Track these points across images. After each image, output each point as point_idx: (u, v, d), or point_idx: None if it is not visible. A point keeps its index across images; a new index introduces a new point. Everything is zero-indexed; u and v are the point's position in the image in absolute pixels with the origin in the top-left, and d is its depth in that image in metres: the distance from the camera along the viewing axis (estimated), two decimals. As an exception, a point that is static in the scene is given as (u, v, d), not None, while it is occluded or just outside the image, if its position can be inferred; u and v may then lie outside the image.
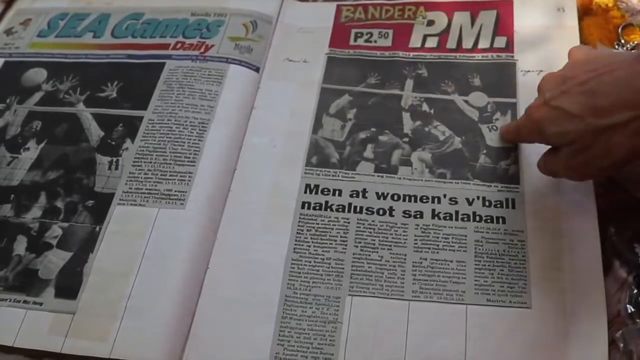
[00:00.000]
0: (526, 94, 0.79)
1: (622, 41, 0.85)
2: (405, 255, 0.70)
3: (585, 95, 0.57)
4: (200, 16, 0.93)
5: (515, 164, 0.75)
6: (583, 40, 0.85)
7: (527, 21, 0.86)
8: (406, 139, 0.79)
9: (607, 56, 0.61)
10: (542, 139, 0.64)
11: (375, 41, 0.89)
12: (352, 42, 0.89)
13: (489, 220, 0.71)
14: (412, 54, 0.87)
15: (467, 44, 0.87)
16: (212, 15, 0.93)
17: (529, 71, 0.82)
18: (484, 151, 0.77)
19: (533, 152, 0.72)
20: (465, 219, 0.72)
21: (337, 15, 0.93)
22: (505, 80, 0.82)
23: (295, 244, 0.72)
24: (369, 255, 0.70)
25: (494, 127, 0.79)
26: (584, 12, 0.90)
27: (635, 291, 0.65)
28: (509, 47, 0.85)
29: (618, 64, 0.56)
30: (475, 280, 0.67)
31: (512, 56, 0.84)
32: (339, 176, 0.77)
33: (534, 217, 0.70)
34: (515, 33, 0.86)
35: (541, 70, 0.81)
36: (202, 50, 0.89)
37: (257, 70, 0.87)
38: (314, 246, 0.72)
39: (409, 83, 0.84)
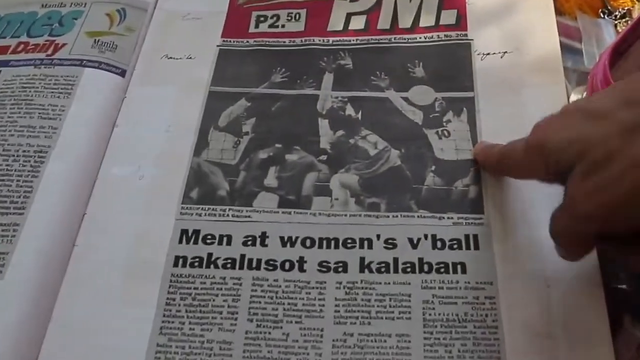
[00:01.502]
0: (487, 86, 0.65)
1: (609, 8, 0.74)
2: (322, 329, 0.53)
3: (617, 90, 0.43)
4: (52, 7, 0.76)
5: (477, 183, 0.59)
6: (558, 9, 0.71)
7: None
8: (323, 157, 0.63)
9: None
10: (541, 163, 0.46)
11: (282, 25, 0.73)
12: (252, 29, 0.74)
13: (442, 270, 0.55)
14: (331, 39, 0.71)
15: (405, 22, 0.72)
16: (67, 5, 0.76)
17: (488, 54, 0.67)
18: (432, 168, 0.61)
19: None
20: (409, 270, 0.55)
21: None
22: (457, 68, 0.67)
23: (164, 321, 0.54)
24: (269, 333, 0.53)
25: (445, 133, 0.63)
26: None
27: (661, 358, 0.47)
28: (461, 23, 0.70)
29: None
30: (426, 363, 0.50)
31: (466, 35, 0.69)
32: (228, 216, 0.60)
33: (507, 261, 0.54)
34: (468, 4, 0.71)
35: (505, 52, 0.66)
36: (49, 52, 0.71)
37: (122, 74, 0.70)
38: (190, 323, 0.54)
39: (328, 78, 0.68)
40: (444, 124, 0.64)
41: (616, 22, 0.74)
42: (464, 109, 0.64)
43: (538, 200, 0.57)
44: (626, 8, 0.74)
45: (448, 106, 0.65)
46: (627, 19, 0.73)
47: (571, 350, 0.50)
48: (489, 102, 0.64)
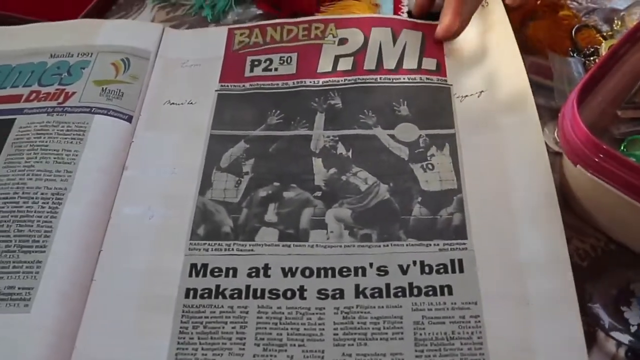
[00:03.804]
0: (466, 123, 0.69)
1: (578, 47, 0.78)
2: (323, 351, 0.55)
3: None
4: (60, 58, 0.80)
5: (460, 211, 0.62)
6: (530, 49, 0.76)
7: (459, 42, 0.77)
8: (318, 193, 0.66)
9: None
10: None
11: (275, 69, 0.77)
12: (247, 73, 0.77)
13: (430, 293, 0.58)
14: (321, 80, 0.75)
15: (389, 64, 0.76)
16: (75, 55, 0.80)
17: (466, 96, 0.71)
18: (419, 199, 0.64)
19: (481, 195, 0.63)
20: (400, 294, 0.58)
21: (229, 42, 0.81)
22: (439, 107, 0.70)
23: (178, 349, 0.57)
24: (275, 356, 0.56)
25: (430, 166, 0.66)
26: (528, 16, 0.80)
27: (631, 370, 0.52)
28: (441, 70, 0.75)
29: None
30: (418, 379, 0.52)
31: (445, 80, 0.74)
32: (233, 250, 0.63)
33: (490, 282, 0.57)
34: (446, 56, 0.76)
35: (482, 91, 0.71)
36: (60, 100, 0.74)
37: (129, 119, 0.74)
38: (203, 349, 0.57)
39: (320, 118, 0.72)
40: (428, 158, 0.67)
41: (585, 60, 0.77)
42: (447, 144, 0.67)
43: (517, 224, 0.61)
44: (594, 47, 0.78)
45: (431, 142, 0.68)
46: (595, 57, 0.77)
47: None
48: (469, 137, 0.67)
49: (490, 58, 0.74)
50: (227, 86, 0.76)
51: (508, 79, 0.71)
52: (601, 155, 0.54)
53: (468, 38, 0.76)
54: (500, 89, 0.70)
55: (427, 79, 0.74)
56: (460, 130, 0.68)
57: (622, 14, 0.80)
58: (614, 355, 0.56)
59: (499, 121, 0.68)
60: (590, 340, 0.56)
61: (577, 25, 0.79)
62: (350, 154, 0.69)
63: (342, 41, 0.79)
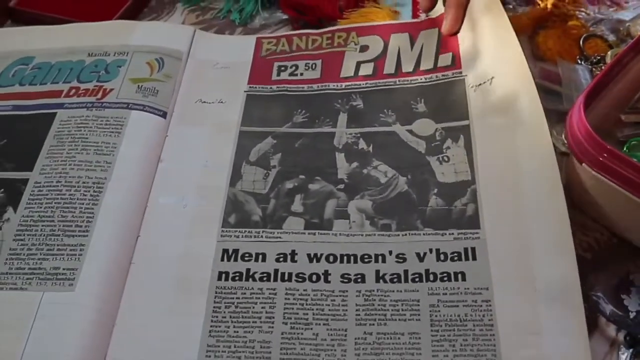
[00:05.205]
0: (480, 112, 0.72)
1: (585, 54, 0.80)
2: (346, 330, 0.59)
3: None
4: (98, 56, 0.84)
5: (474, 202, 0.65)
6: (540, 56, 0.80)
7: (469, 30, 0.79)
8: (341, 186, 0.69)
9: None
10: None
11: (301, 74, 0.81)
12: (274, 77, 0.81)
13: (445, 279, 0.61)
14: (344, 84, 0.79)
15: (407, 67, 0.80)
16: (111, 54, 0.83)
17: (480, 84, 0.74)
18: (435, 190, 0.67)
19: (494, 186, 0.66)
20: (417, 280, 0.61)
21: (257, 49, 0.85)
22: (454, 101, 0.74)
23: (212, 326, 0.60)
24: (301, 333, 0.59)
25: (445, 159, 0.69)
26: (539, 25, 0.83)
27: (631, 352, 0.57)
28: (455, 62, 0.78)
29: None
30: (434, 356, 0.57)
31: (460, 72, 0.77)
32: (262, 237, 0.66)
33: (500, 269, 0.60)
34: (461, 46, 0.79)
35: (492, 77, 0.74)
36: (99, 96, 0.78)
37: (163, 115, 0.77)
38: (234, 327, 0.60)
39: (342, 118, 0.76)
40: (444, 150, 0.70)
41: (592, 67, 0.80)
42: (461, 136, 0.70)
43: (526, 214, 0.63)
44: (601, 55, 0.81)
45: (447, 134, 0.71)
46: (601, 64, 0.80)
47: (554, 345, 0.56)
48: (482, 127, 0.70)
49: (493, 42, 0.76)
50: (256, 87, 0.80)
51: (510, 62, 0.73)
52: (605, 155, 0.56)
53: (476, 26, 0.79)
54: (505, 72, 0.72)
55: (443, 75, 0.77)
56: (474, 120, 0.71)
57: (627, 24, 0.84)
58: (614, 339, 0.59)
59: (507, 107, 0.70)
60: (592, 325, 0.58)
61: (585, 35, 0.83)
62: (370, 148, 0.72)
63: (363, 48, 0.83)
